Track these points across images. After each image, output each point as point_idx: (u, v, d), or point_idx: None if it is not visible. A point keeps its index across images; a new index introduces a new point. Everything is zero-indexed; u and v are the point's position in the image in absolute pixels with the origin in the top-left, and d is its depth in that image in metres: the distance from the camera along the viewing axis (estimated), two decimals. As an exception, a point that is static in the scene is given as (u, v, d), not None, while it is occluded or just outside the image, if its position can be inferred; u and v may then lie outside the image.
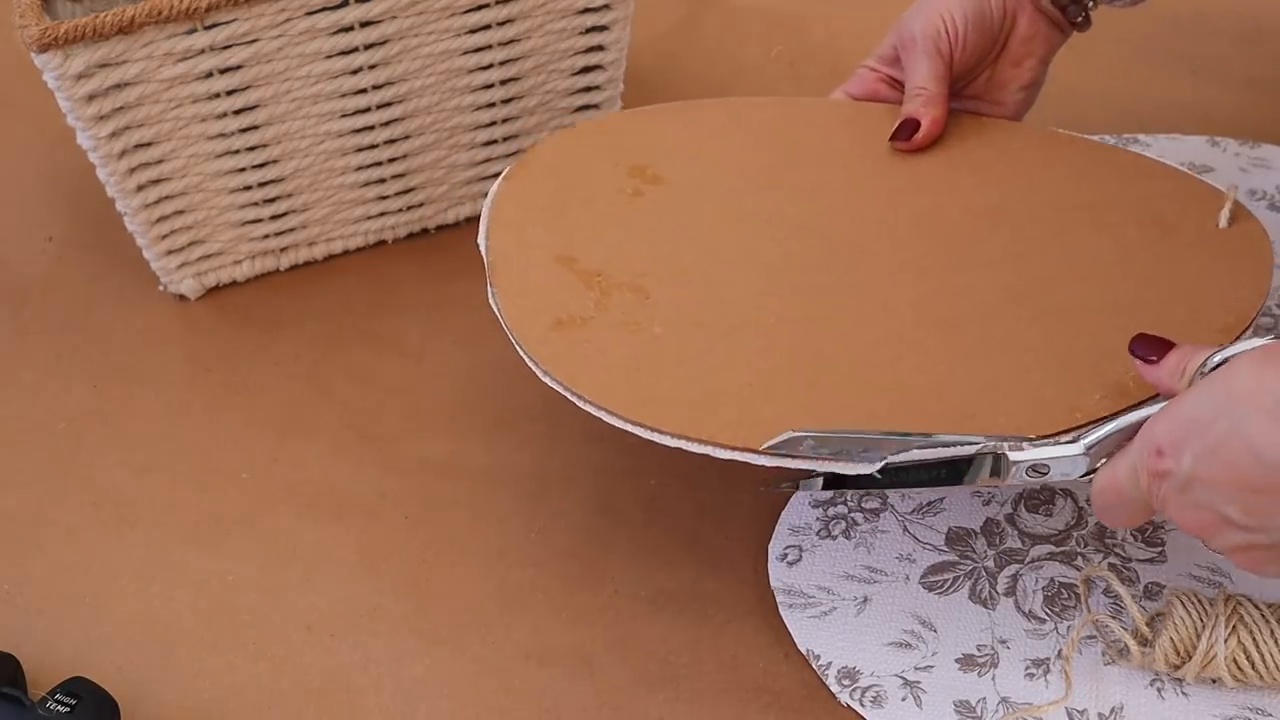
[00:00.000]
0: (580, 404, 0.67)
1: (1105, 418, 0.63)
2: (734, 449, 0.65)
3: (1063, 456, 0.63)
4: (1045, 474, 0.63)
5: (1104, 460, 0.63)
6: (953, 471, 0.64)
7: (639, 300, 0.71)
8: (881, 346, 0.69)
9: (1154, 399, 0.63)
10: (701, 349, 0.69)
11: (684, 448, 0.66)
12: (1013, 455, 0.63)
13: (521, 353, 0.69)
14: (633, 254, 0.73)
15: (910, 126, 0.77)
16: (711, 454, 0.65)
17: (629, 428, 0.67)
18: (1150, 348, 0.63)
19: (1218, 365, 0.60)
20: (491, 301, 0.71)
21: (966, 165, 0.77)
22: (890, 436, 0.64)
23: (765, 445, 0.64)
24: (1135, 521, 0.63)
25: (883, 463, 0.64)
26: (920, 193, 0.76)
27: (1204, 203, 0.74)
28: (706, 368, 0.68)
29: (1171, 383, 0.62)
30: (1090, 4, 0.79)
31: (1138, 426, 0.61)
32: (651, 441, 0.66)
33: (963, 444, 0.64)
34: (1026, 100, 0.81)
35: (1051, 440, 0.64)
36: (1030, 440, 0.64)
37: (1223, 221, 0.73)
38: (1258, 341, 0.60)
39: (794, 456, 0.64)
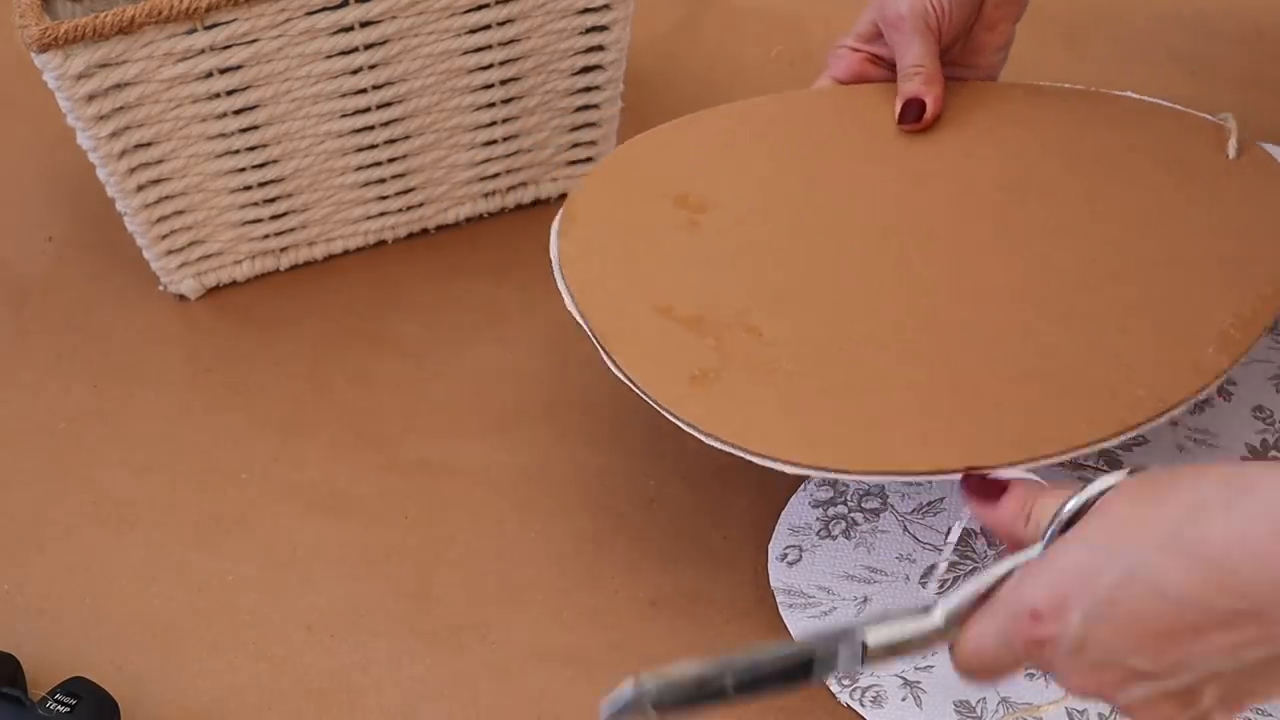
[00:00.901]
0: (759, 461, 0.65)
1: (954, 579, 0.60)
2: (951, 471, 0.63)
3: (924, 632, 0.55)
4: (907, 653, 0.55)
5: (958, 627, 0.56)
6: (800, 665, 0.55)
7: (754, 339, 0.69)
8: (1004, 332, 0.68)
9: (1002, 553, 0.59)
10: (839, 376, 0.67)
11: (904, 480, 0.65)
12: (871, 639, 0.55)
13: (673, 418, 0.67)
14: (723, 291, 0.71)
15: (916, 106, 0.77)
16: (936, 480, 0.64)
17: (829, 474, 0.65)
18: (983, 490, 0.59)
19: (1076, 510, 0.54)
20: (617, 372, 0.69)
21: (978, 135, 0.77)
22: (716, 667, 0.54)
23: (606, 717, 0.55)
24: (1010, 676, 0.56)
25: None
26: (948, 171, 0.76)
27: (1207, 136, 0.76)
28: (856, 394, 0.67)
29: (1015, 528, 0.57)
30: None
31: (996, 585, 0.55)
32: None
33: (809, 645, 0.55)
34: (1002, 62, 0.81)
35: (905, 617, 0.55)
36: (883, 622, 0.55)
37: (1231, 152, 0.74)
38: (1109, 479, 0.54)
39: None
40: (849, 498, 0.77)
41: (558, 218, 0.75)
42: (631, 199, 0.76)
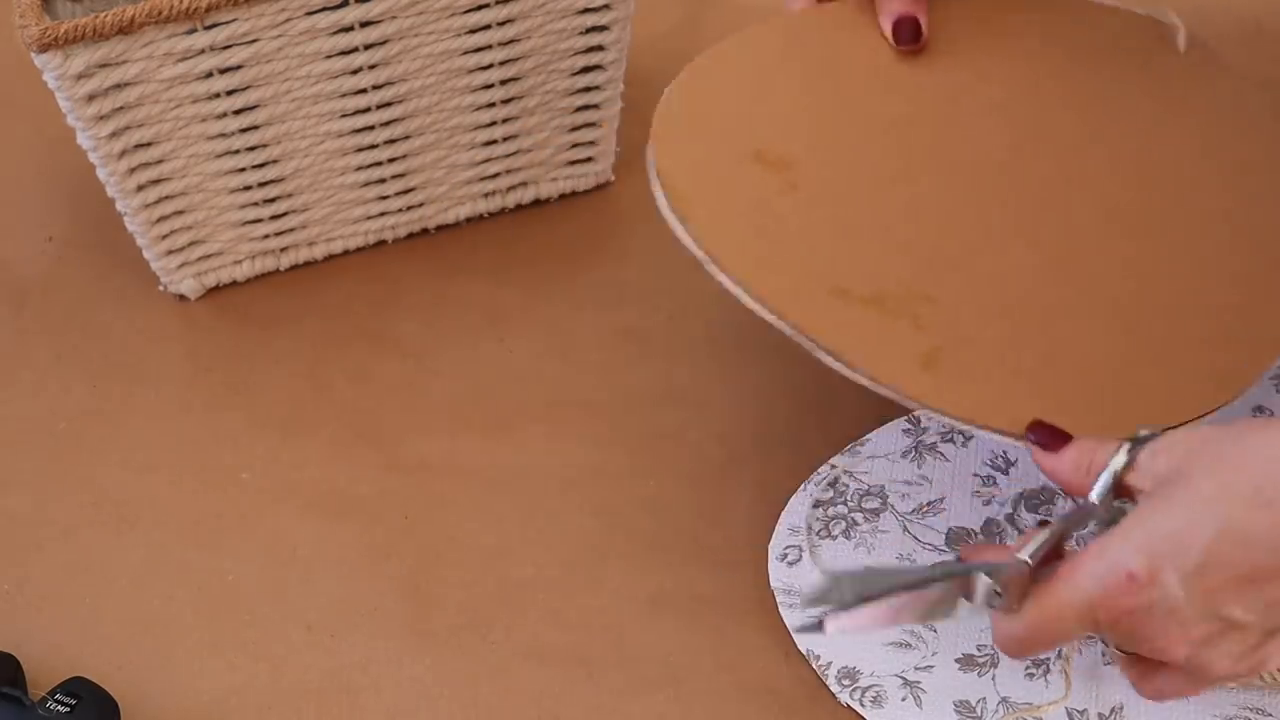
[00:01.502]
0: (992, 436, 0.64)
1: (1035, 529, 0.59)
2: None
3: (1008, 570, 0.57)
4: (1003, 595, 0.57)
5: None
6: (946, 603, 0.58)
7: (941, 310, 0.67)
8: (1125, 275, 0.69)
9: (1071, 514, 0.59)
10: (1042, 342, 0.67)
11: None
12: (981, 580, 0.57)
13: (927, 408, 0.65)
14: (876, 263, 0.69)
15: (910, 25, 0.73)
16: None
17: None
18: (1049, 437, 0.60)
19: (1126, 463, 0.57)
20: (846, 370, 0.66)
21: (986, 50, 0.76)
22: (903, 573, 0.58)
23: (804, 603, 0.57)
24: (1061, 646, 0.59)
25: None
26: (987, 98, 0.75)
27: (1160, 32, 0.79)
28: (1068, 359, 0.67)
29: (1074, 478, 0.59)
30: None
31: (1064, 529, 0.58)
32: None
33: (937, 575, 0.57)
34: None
35: (993, 561, 0.58)
36: (998, 565, 0.57)
37: (1181, 45, 0.76)
38: (1148, 431, 0.57)
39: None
40: (849, 498, 0.77)
41: (666, 208, 0.70)
42: (711, 163, 0.71)
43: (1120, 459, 0.58)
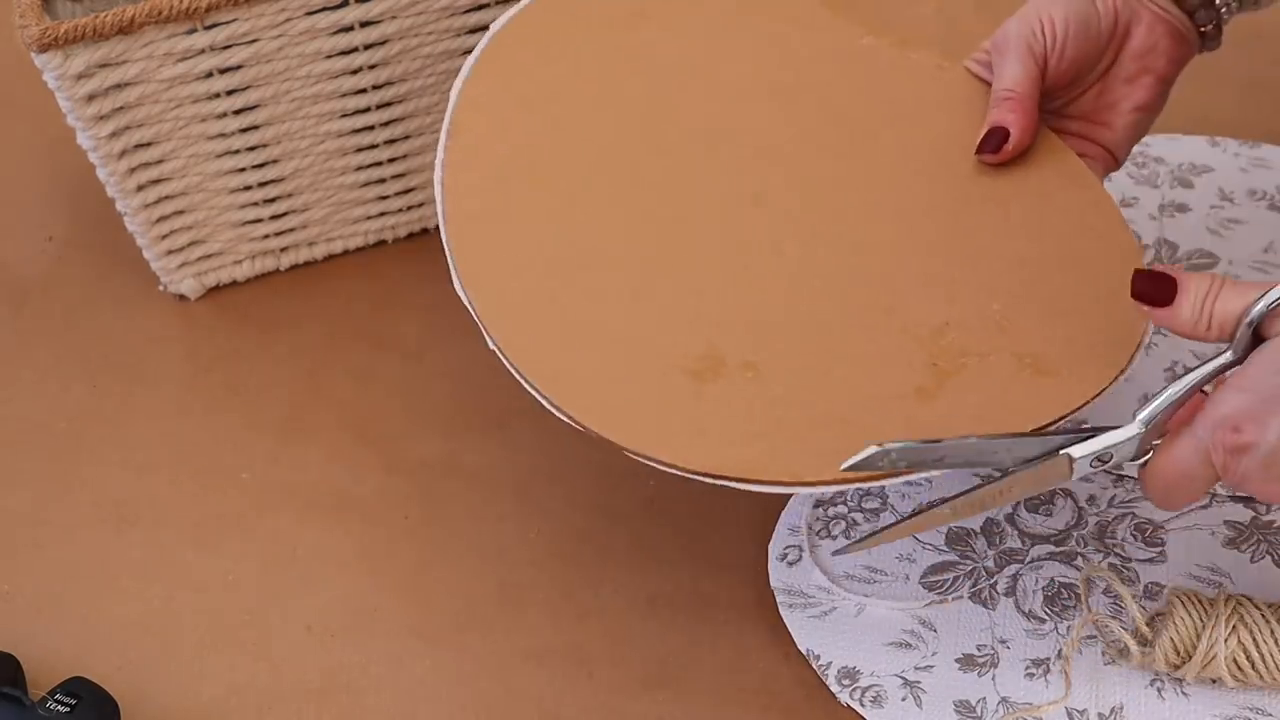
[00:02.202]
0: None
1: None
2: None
3: (1124, 440, 0.60)
4: (1108, 462, 0.61)
5: (1156, 440, 0.60)
6: (1019, 480, 0.62)
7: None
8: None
9: (1197, 367, 0.60)
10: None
11: None
12: (1076, 453, 0.61)
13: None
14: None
15: (998, 136, 0.69)
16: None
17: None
18: (1156, 289, 0.59)
19: (1266, 311, 0.57)
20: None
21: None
22: (974, 442, 0.61)
23: (845, 465, 0.59)
24: (1195, 500, 0.60)
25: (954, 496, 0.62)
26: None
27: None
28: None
29: (1194, 330, 0.59)
30: (1224, 9, 0.71)
31: (1190, 392, 0.59)
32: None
33: (1029, 447, 0.61)
34: (1139, 124, 0.72)
35: (1106, 431, 0.61)
36: (1087, 432, 0.61)
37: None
38: None
39: (872, 471, 0.60)
40: (849, 498, 0.77)
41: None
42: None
43: (1263, 306, 0.57)
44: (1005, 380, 0.64)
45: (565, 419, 0.64)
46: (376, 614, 0.76)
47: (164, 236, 0.87)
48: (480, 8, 0.83)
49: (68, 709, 0.68)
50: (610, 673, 0.73)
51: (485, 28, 0.84)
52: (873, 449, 0.59)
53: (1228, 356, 0.59)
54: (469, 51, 0.85)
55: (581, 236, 0.69)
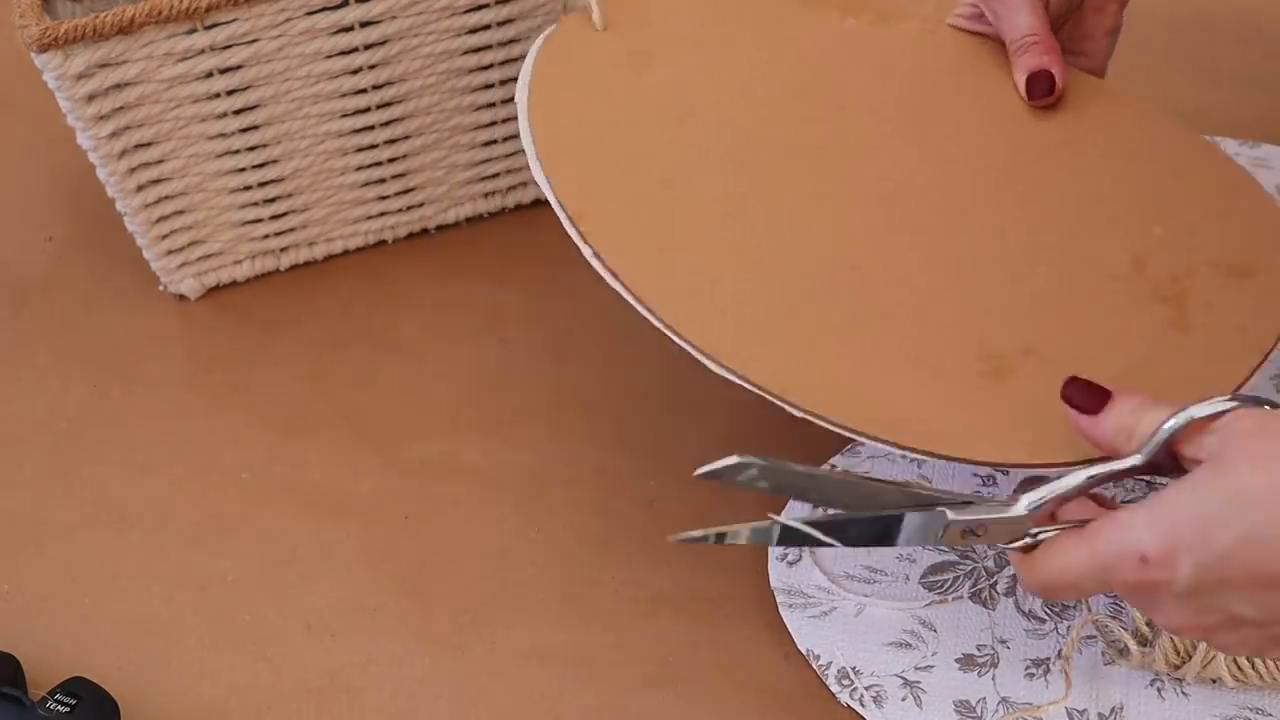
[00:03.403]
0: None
1: (1041, 475, 0.60)
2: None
3: (1003, 519, 0.58)
4: (979, 536, 0.59)
5: (1037, 531, 0.58)
6: (883, 528, 0.60)
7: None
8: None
9: (1095, 461, 0.59)
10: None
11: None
12: (951, 515, 0.59)
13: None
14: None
15: (1045, 79, 0.72)
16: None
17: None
18: (1087, 397, 0.59)
19: (1173, 430, 0.55)
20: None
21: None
22: (839, 480, 0.60)
23: (701, 470, 0.59)
24: (1079, 599, 0.60)
25: (807, 518, 0.61)
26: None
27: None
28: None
29: (1117, 442, 0.58)
30: None
31: (1082, 489, 0.57)
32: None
33: (902, 500, 0.60)
34: (1110, 47, 0.77)
35: (989, 504, 0.59)
36: (969, 501, 0.59)
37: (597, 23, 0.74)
38: (1213, 405, 0.55)
39: (728, 482, 0.60)
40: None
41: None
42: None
43: (1176, 423, 0.55)
44: (1220, 287, 0.67)
45: (894, 449, 0.64)
46: (376, 614, 0.76)
47: (164, 236, 0.87)
48: (480, 8, 0.83)
49: (68, 709, 0.68)
50: (610, 673, 0.73)
51: (486, 27, 0.84)
52: (732, 460, 0.58)
53: (1136, 460, 0.57)
54: (469, 51, 0.85)
55: (764, 254, 0.69)
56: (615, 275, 0.67)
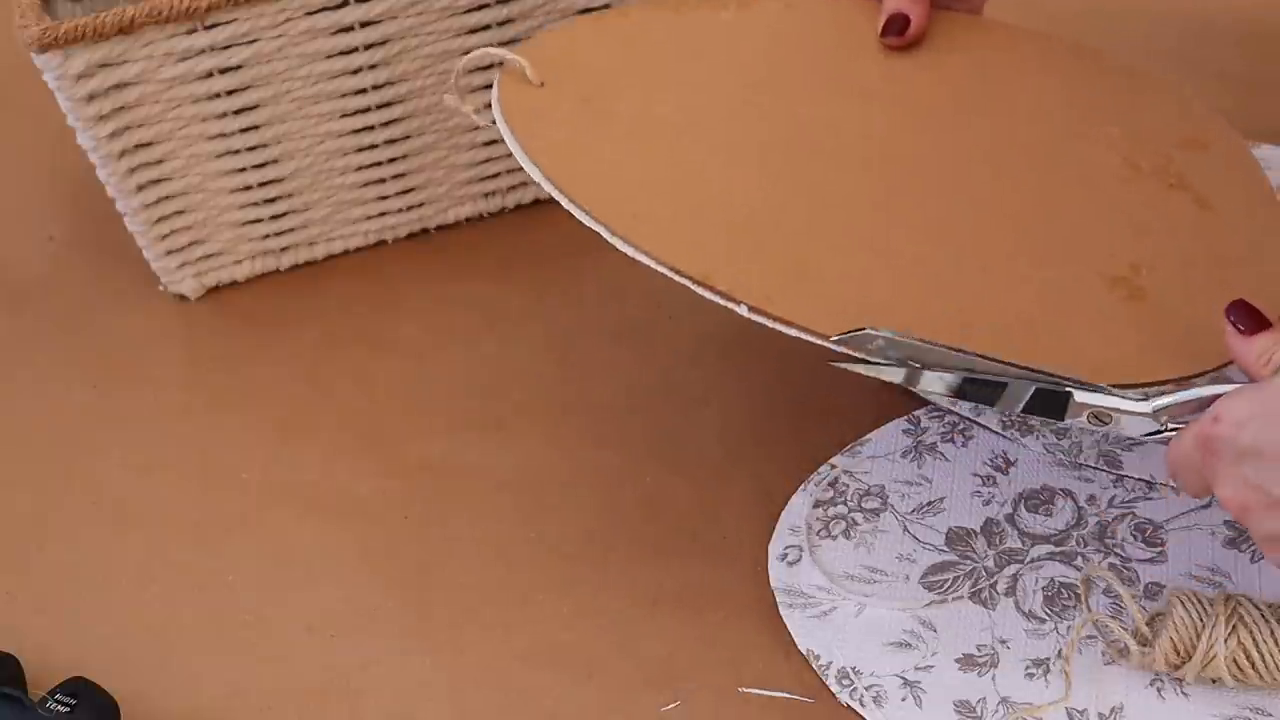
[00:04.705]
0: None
1: (1178, 384, 0.64)
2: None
3: (1129, 412, 0.63)
4: (1106, 424, 0.63)
5: (1174, 427, 0.63)
6: (1009, 394, 0.64)
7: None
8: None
9: (1227, 370, 0.64)
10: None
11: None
12: (1078, 396, 0.63)
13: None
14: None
15: (900, 21, 0.77)
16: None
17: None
18: (1247, 319, 0.63)
19: None
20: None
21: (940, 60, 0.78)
22: (963, 353, 0.63)
23: (835, 336, 0.63)
24: (1203, 494, 0.62)
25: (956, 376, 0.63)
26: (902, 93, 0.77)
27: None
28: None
29: (1254, 364, 0.62)
30: None
31: (1211, 399, 0.61)
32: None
33: (1032, 374, 0.63)
34: None
35: (1121, 393, 0.63)
36: (1101, 387, 0.63)
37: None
38: None
39: (859, 349, 0.63)
40: (849, 498, 0.77)
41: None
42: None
43: None
44: (1200, 163, 0.73)
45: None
46: (376, 614, 0.76)
47: (164, 236, 0.87)
48: (480, 8, 0.83)
49: (68, 709, 0.68)
50: (610, 673, 0.73)
51: (486, 28, 0.84)
52: (866, 330, 0.62)
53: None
54: (469, 51, 0.85)
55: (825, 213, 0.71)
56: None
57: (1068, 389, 0.63)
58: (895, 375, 0.64)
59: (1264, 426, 0.57)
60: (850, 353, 0.63)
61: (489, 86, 0.73)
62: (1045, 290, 0.68)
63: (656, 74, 0.76)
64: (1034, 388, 0.63)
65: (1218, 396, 0.61)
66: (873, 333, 0.63)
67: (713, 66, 0.77)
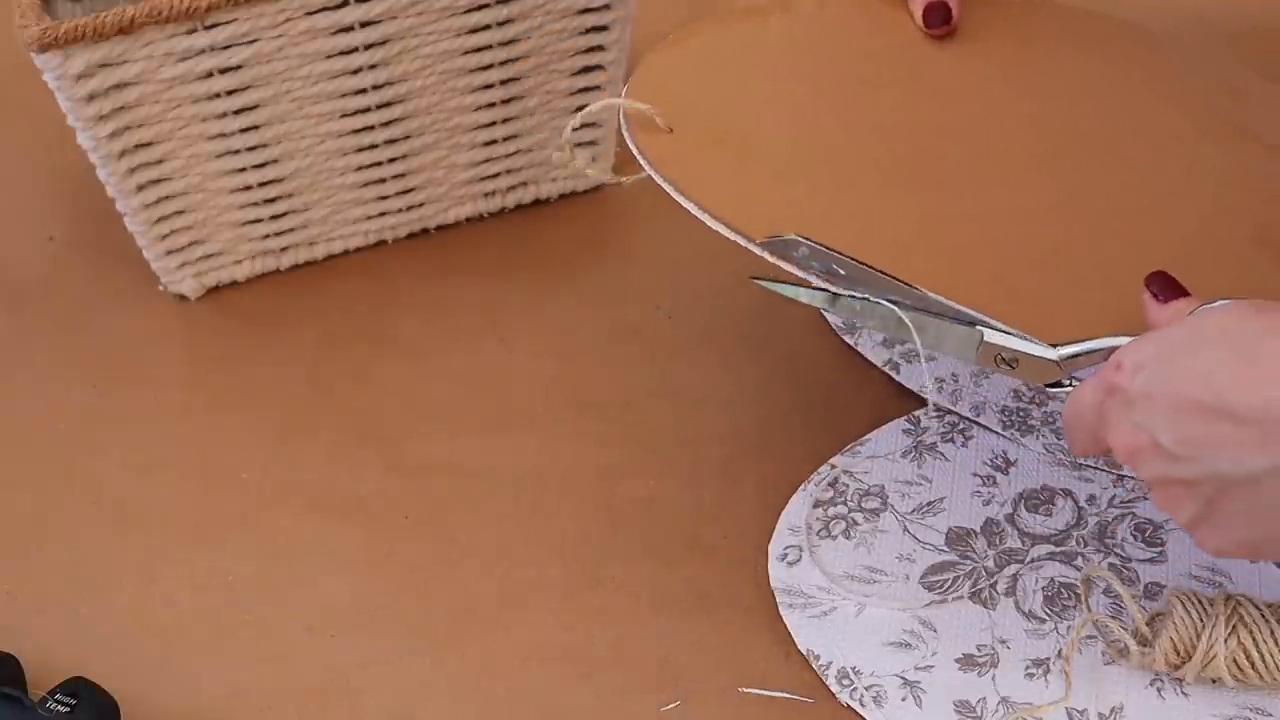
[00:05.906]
0: None
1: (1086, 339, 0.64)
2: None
3: (1034, 356, 0.64)
4: (1013, 368, 0.64)
5: (1073, 380, 0.64)
6: (924, 329, 0.64)
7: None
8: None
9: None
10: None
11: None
12: (989, 336, 0.64)
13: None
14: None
15: (940, 9, 0.77)
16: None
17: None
18: (1165, 288, 0.63)
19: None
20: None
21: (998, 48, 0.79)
22: (882, 276, 0.64)
23: (762, 240, 0.64)
24: (1090, 449, 0.63)
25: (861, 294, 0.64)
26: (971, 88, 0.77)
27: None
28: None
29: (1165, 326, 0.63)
30: None
31: (1108, 351, 0.62)
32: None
33: (945, 312, 0.64)
34: None
35: (1031, 337, 0.64)
36: (1012, 330, 0.64)
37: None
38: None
39: (784, 257, 0.64)
40: (849, 498, 0.77)
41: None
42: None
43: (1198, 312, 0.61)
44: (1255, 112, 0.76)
45: None
46: (376, 614, 0.76)
47: (164, 236, 0.87)
48: (480, 8, 0.83)
49: (68, 709, 0.68)
50: (610, 673, 0.73)
51: (486, 28, 0.84)
52: (790, 235, 0.64)
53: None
54: (469, 51, 0.85)
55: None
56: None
57: (979, 327, 0.64)
58: (813, 297, 0.66)
59: (1157, 368, 0.58)
60: (777, 261, 0.64)
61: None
62: (1189, 254, 0.68)
63: (757, 98, 0.75)
64: (947, 321, 0.64)
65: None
66: (797, 239, 0.64)
67: (797, 79, 0.77)
